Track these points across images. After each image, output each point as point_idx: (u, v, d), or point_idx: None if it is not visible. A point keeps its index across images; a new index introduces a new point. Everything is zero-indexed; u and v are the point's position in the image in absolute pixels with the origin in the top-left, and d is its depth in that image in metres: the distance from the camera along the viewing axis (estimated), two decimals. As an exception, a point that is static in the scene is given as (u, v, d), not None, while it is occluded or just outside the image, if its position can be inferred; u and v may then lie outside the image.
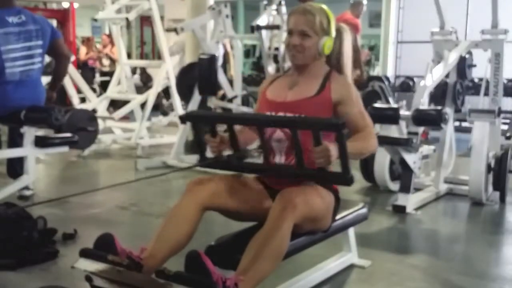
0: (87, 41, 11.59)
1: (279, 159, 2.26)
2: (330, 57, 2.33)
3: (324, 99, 2.23)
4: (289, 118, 2.17)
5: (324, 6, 2.30)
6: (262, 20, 5.90)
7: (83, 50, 11.00)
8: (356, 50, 6.49)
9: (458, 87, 4.54)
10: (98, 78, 10.42)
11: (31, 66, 3.78)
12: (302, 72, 2.32)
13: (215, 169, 2.36)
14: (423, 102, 4.12)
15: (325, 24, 2.26)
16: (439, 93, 4.51)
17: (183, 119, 2.32)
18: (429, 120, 4.11)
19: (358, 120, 2.24)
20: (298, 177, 2.19)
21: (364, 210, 2.73)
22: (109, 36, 9.92)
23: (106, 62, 10.72)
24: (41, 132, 3.91)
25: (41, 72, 3.91)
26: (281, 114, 2.24)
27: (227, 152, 2.22)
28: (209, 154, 2.29)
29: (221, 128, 2.32)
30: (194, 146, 5.07)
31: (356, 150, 2.12)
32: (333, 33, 2.29)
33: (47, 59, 4.90)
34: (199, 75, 5.60)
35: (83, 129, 3.94)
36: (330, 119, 2.13)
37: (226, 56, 7.33)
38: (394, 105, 4.52)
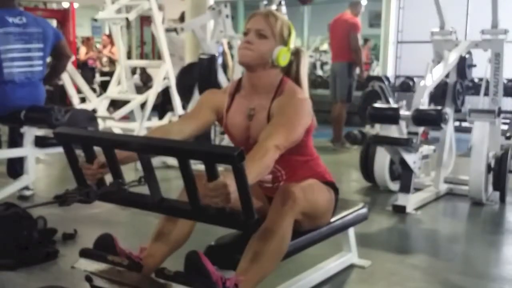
0: (86, 41, 11.60)
1: (266, 176, 2.12)
2: (290, 77, 2.21)
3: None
4: (178, 145, 1.74)
5: (289, 21, 2.20)
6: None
7: (83, 50, 10.99)
8: (356, 50, 6.51)
9: (458, 87, 4.54)
10: (98, 78, 10.42)
11: (30, 68, 3.78)
12: (255, 87, 2.17)
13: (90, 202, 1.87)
14: (423, 102, 4.12)
15: (286, 33, 2.15)
16: (439, 93, 4.52)
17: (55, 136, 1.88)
18: (429, 120, 4.11)
19: (275, 127, 1.96)
20: (191, 219, 1.93)
21: (364, 210, 2.73)
22: (109, 36, 9.92)
23: (105, 61, 10.72)
24: (41, 132, 3.91)
25: (43, 74, 3.91)
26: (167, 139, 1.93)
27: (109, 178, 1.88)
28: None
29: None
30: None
31: (255, 177, 1.76)
32: (291, 47, 2.18)
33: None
34: (199, 75, 5.61)
35: (83, 129, 3.94)
36: (225, 148, 1.73)
37: (223, 56, 7.34)
38: (394, 105, 4.52)
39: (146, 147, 1.76)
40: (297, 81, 2.21)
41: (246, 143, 2.12)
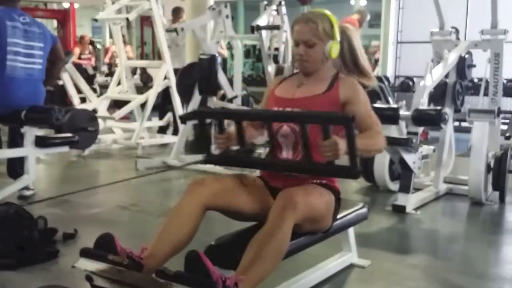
0: (80, 40, 11.33)
1: (286, 154, 2.28)
2: (345, 61, 2.39)
3: (332, 98, 2.27)
4: (299, 112, 2.20)
5: (326, 11, 2.33)
6: (262, 20, 5.89)
7: (76, 51, 10.72)
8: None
9: (457, 87, 4.54)
10: (98, 78, 10.38)
11: (32, 65, 3.82)
12: (310, 75, 2.36)
13: (222, 166, 2.40)
14: (422, 102, 4.13)
15: (328, 29, 2.28)
16: (439, 93, 4.52)
17: (185, 118, 2.38)
18: (429, 120, 4.12)
19: (365, 119, 2.27)
20: (306, 172, 2.21)
21: (364, 210, 2.73)
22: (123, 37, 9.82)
23: (103, 70, 10.63)
24: (41, 132, 3.92)
25: (43, 74, 3.93)
26: (289, 110, 2.28)
27: (233, 149, 2.26)
28: (215, 151, 2.31)
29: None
30: (197, 144, 5.10)
31: (363, 147, 2.12)
32: (338, 36, 2.31)
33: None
34: (199, 75, 5.61)
35: (84, 129, 3.95)
36: (339, 115, 2.16)
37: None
38: (394, 105, 4.53)
39: (274, 117, 2.22)
40: (355, 63, 2.38)
41: (288, 102, 2.30)
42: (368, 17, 7.15)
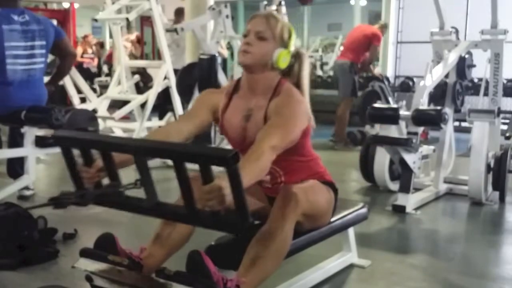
0: (83, 39, 11.32)
1: (264, 177, 2.12)
2: (289, 79, 2.21)
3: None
4: (173, 148, 1.72)
5: (290, 24, 2.21)
6: (262, 20, 5.90)
7: (79, 50, 10.75)
8: (371, 60, 6.42)
9: (457, 87, 4.54)
10: (100, 78, 10.39)
11: (33, 65, 3.80)
12: (253, 88, 2.17)
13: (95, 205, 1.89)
14: (422, 102, 4.13)
15: (286, 36, 2.16)
16: (439, 93, 4.52)
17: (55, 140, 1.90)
18: (429, 120, 4.12)
19: (271, 128, 1.96)
20: (187, 222, 1.93)
21: (364, 210, 2.74)
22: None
23: (105, 69, 10.62)
24: (41, 132, 3.92)
25: (43, 72, 3.92)
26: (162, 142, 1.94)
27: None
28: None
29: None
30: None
31: (250, 180, 1.74)
32: (291, 49, 2.18)
33: (50, 57, 4.90)
34: (199, 75, 5.61)
35: (84, 129, 3.94)
36: (219, 150, 1.75)
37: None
38: (394, 105, 4.52)
39: (141, 150, 1.73)
40: (298, 83, 2.22)
41: (243, 144, 2.12)
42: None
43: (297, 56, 2.23)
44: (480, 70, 5.02)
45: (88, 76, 10.25)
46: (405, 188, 4.05)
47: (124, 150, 1.79)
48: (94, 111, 5.59)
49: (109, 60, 11.30)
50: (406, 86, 8.61)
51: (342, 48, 8.62)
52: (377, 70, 7.55)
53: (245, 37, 2.14)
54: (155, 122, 7.18)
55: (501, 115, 4.74)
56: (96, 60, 11.29)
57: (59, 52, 4.03)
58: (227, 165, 1.50)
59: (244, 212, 1.56)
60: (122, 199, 1.80)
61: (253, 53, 2.10)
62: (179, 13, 7.11)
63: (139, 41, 9.97)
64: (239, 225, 1.60)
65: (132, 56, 9.40)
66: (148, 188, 1.73)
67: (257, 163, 1.81)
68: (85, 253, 2.00)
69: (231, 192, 1.54)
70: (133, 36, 10.19)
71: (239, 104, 2.20)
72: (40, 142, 3.73)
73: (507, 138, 5.52)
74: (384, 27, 7.38)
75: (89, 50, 11.03)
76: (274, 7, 5.94)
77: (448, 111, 4.33)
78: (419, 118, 4.05)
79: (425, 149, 4.43)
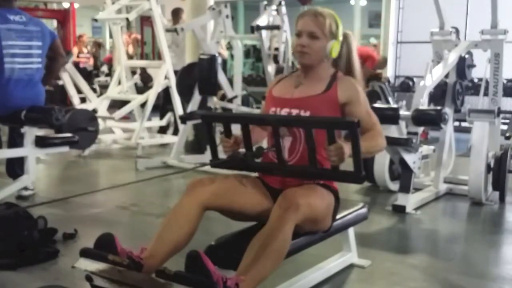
0: (78, 39, 11.24)
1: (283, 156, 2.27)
2: (339, 62, 2.38)
3: (330, 98, 2.26)
4: (303, 117, 2.20)
5: (333, 12, 2.35)
6: (262, 20, 5.90)
7: (74, 50, 10.67)
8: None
9: (457, 87, 4.54)
10: (99, 78, 10.37)
11: (30, 65, 3.81)
12: (309, 73, 2.35)
13: (230, 169, 2.34)
14: (422, 102, 4.13)
15: (334, 28, 2.30)
16: (439, 93, 4.52)
17: (185, 118, 2.36)
18: (429, 120, 4.12)
19: (366, 119, 2.25)
20: (312, 177, 2.21)
21: (364, 210, 2.74)
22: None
23: (105, 69, 10.59)
24: (41, 132, 3.92)
25: (41, 73, 3.93)
26: (287, 110, 2.28)
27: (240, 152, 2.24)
28: (221, 154, 2.30)
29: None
30: (196, 144, 5.05)
31: (367, 149, 2.13)
32: (341, 37, 2.34)
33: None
34: (199, 75, 5.61)
35: (84, 129, 3.95)
36: (345, 118, 2.19)
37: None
38: (394, 105, 4.52)
39: (280, 122, 2.17)
40: (349, 66, 2.38)
41: (286, 101, 2.30)
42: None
43: (344, 38, 2.38)
44: (480, 70, 5.02)
45: (86, 75, 10.23)
46: (405, 188, 4.06)
47: (265, 123, 2.28)
48: (94, 111, 5.60)
49: (109, 62, 11.30)
50: (406, 86, 8.63)
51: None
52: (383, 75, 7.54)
53: (297, 37, 2.29)
54: (155, 122, 7.20)
55: (501, 115, 4.74)
56: (92, 60, 11.26)
57: (51, 54, 4.05)
58: (351, 129, 1.95)
59: (359, 166, 2.00)
60: (260, 164, 2.28)
61: (310, 53, 2.28)
62: (175, 14, 7.10)
63: (138, 41, 9.95)
64: (355, 176, 2.04)
65: (128, 56, 9.39)
66: (279, 154, 2.16)
67: (374, 139, 2.23)
68: (85, 253, 2.00)
69: (351, 151, 1.96)
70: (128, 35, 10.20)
71: (290, 79, 2.41)
72: (40, 142, 3.73)
73: (507, 138, 5.53)
74: (383, 59, 7.36)
75: (84, 50, 10.98)
76: (274, 7, 5.95)
77: (448, 111, 4.33)
78: (419, 118, 4.05)
79: (425, 149, 4.43)
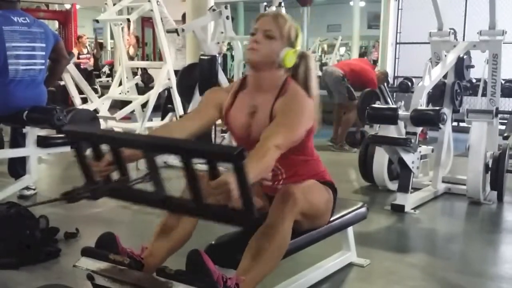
0: (78, 40, 11.23)
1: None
2: (297, 80, 2.22)
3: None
4: (182, 144, 1.75)
5: (297, 24, 2.23)
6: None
7: (75, 51, 10.63)
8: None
9: (456, 88, 4.57)
10: (100, 78, 10.37)
11: (33, 66, 3.84)
12: (259, 86, 2.19)
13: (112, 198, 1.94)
14: (421, 102, 4.15)
15: (293, 35, 2.17)
16: (437, 94, 4.54)
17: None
18: (428, 120, 4.14)
19: (276, 127, 2.00)
20: (194, 216, 1.97)
21: (363, 210, 2.75)
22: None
23: (106, 70, 10.58)
24: (43, 132, 3.94)
25: (44, 74, 3.95)
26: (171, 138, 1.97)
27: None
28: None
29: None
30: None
31: (258, 174, 1.81)
32: (298, 48, 2.20)
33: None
34: (199, 76, 5.63)
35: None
36: (226, 147, 1.83)
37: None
38: (393, 106, 4.55)
39: (151, 146, 1.76)
40: (306, 84, 2.22)
41: (247, 141, 2.13)
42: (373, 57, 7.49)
43: (302, 57, 2.24)
44: (479, 71, 5.04)
45: (87, 76, 10.22)
46: (404, 188, 4.07)
47: (134, 146, 1.84)
48: (96, 111, 5.62)
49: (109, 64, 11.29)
50: (405, 87, 8.63)
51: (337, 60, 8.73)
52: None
53: (252, 35, 2.15)
54: (156, 123, 7.21)
55: (499, 115, 4.76)
56: (92, 60, 11.25)
57: (54, 56, 4.07)
58: (233, 162, 1.53)
59: (250, 206, 1.59)
60: (132, 193, 1.81)
61: (260, 51, 2.11)
62: (186, 18, 7.13)
63: (138, 41, 9.95)
64: (245, 218, 1.63)
65: (129, 57, 9.39)
66: (157, 183, 1.74)
67: (262, 160, 1.84)
68: (86, 252, 2.02)
69: (238, 187, 1.57)
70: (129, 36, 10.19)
71: (244, 101, 2.22)
72: (42, 142, 3.75)
73: (505, 138, 5.55)
74: (384, 75, 7.30)
75: (84, 51, 10.97)
76: (273, 8, 5.97)
77: (447, 111, 4.35)
78: (418, 118, 4.07)
79: (424, 149, 4.45)
